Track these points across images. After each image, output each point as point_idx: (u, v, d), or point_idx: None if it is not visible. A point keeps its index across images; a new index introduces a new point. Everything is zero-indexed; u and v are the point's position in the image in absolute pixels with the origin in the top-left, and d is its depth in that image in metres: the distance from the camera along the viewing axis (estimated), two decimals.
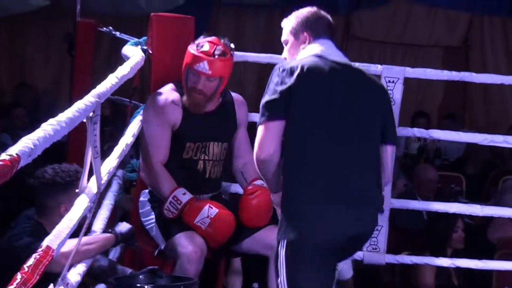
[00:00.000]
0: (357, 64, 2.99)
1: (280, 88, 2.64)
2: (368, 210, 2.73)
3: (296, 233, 2.62)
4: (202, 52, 3.30)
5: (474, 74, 4.05)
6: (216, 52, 3.31)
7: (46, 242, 1.83)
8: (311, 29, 2.86)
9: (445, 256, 4.25)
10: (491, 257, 4.35)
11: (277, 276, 2.67)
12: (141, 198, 3.50)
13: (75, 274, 2.42)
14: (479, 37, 8.79)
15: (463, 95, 8.92)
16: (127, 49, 3.75)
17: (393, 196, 3.94)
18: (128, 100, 3.96)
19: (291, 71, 2.65)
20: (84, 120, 2.13)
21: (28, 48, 8.80)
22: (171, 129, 3.39)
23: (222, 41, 3.37)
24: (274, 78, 2.68)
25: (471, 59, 8.76)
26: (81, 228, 2.33)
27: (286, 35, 2.91)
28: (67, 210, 2.78)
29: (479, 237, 4.86)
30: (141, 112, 3.67)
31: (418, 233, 4.90)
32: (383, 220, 3.83)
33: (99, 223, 3.06)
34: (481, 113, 8.75)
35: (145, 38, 3.84)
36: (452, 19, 8.79)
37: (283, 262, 2.63)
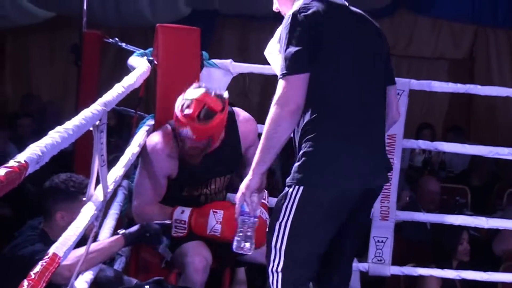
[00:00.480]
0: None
1: (305, 36, 2.51)
2: (383, 162, 2.68)
3: (315, 181, 2.51)
4: (185, 116, 3.10)
5: (479, 86, 4.04)
6: (201, 117, 3.10)
7: (52, 249, 1.84)
8: None
9: (450, 268, 4.25)
10: (496, 269, 4.34)
11: (277, 219, 2.55)
12: None
13: (82, 282, 2.42)
14: (484, 50, 8.81)
15: (468, 108, 8.94)
16: (133, 60, 3.75)
17: (398, 208, 3.94)
18: (133, 111, 3.97)
19: (312, 17, 2.53)
20: (91, 129, 2.14)
21: (34, 59, 8.86)
22: (166, 179, 3.31)
23: (212, 93, 3.15)
24: (296, 25, 2.53)
25: (476, 72, 8.78)
26: (88, 237, 2.34)
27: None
28: (63, 219, 2.81)
29: (485, 250, 4.85)
30: (147, 122, 3.68)
31: (422, 244, 4.89)
32: (388, 232, 3.84)
33: (106, 232, 3.06)
34: (485, 126, 8.75)
35: (151, 49, 3.84)
36: (457, 31, 8.82)
37: (292, 207, 2.51)
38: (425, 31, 8.81)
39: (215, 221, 3.18)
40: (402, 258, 4.36)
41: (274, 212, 2.59)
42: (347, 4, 2.72)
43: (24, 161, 1.50)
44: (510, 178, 6.85)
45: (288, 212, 2.52)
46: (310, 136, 2.52)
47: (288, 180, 2.56)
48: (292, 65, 2.50)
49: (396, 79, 3.81)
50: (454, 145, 4.23)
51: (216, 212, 3.20)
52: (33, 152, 1.57)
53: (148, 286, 2.98)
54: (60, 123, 1.95)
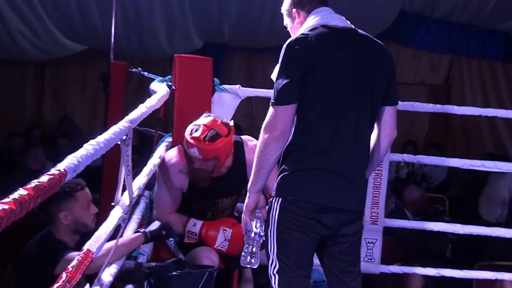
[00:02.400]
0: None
1: (291, 70, 2.43)
2: (360, 188, 2.57)
3: (293, 192, 2.46)
4: (193, 138, 3.12)
5: (455, 107, 4.06)
6: (207, 138, 3.10)
7: (86, 246, 1.86)
8: (300, 6, 2.66)
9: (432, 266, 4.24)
10: (471, 268, 4.33)
11: (268, 227, 2.52)
12: None
13: (107, 275, 2.42)
14: (459, 76, 8.82)
15: (445, 127, 8.93)
16: (154, 85, 3.77)
17: (385, 216, 3.93)
18: (154, 130, 3.98)
19: (301, 46, 2.44)
20: (119, 142, 2.15)
21: (69, 86, 8.90)
22: (180, 191, 3.31)
23: (219, 121, 3.16)
24: (286, 55, 2.46)
25: (452, 96, 8.79)
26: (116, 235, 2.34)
27: (284, 18, 2.75)
28: (67, 218, 2.81)
29: (461, 251, 4.84)
30: (166, 139, 3.69)
31: (408, 244, 4.88)
32: (377, 234, 3.83)
33: (129, 233, 3.06)
34: (461, 142, 8.75)
35: (169, 76, 3.85)
36: (435, 60, 8.84)
37: (275, 215, 2.48)
38: (407, 60, 8.81)
39: (223, 238, 3.17)
40: (390, 257, 4.35)
41: (266, 221, 2.57)
42: (352, 27, 2.60)
43: (64, 169, 1.52)
44: (483, 187, 6.84)
45: (273, 220, 2.49)
46: (291, 154, 2.48)
47: (272, 192, 2.55)
48: (280, 97, 2.43)
49: None
50: (434, 158, 4.24)
51: (225, 230, 3.18)
52: (71, 161, 1.59)
53: (170, 265, 2.98)
54: (86, 141, 1.95)
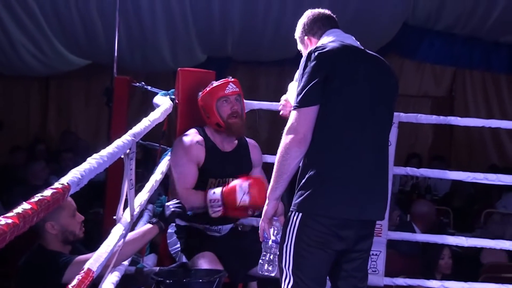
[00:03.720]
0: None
1: (317, 72, 2.42)
2: (382, 198, 2.55)
3: (315, 207, 2.42)
4: (220, 82, 3.37)
5: (459, 118, 4.05)
6: (229, 77, 3.42)
7: (87, 265, 1.85)
8: (312, 33, 2.74)
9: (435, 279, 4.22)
10: (475, 280, 4.31)
11: (284, 241, 2.47)
12: (169, 230, 3.46)
13: (109, 284, 2.41)
14: (462, 89, 8.85)
15: (449, 140, 8.94)
16: (157, 99, 3.77)
17: (389, 228, 3.93)
18: (157, 144, 3.98)
19: (326, 55, 2.45)
20: (122, 156, 2.15)
21: (73, 100, 8.94)
22: (196, 166, 3.35)
23: None
24: (310, 63, 2.45)
25: (455, 108, 8.79)
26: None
27: (298, 44, 2.82)
28: (54, 227, 2.79)
29: (465, 263, 4.82)
30: (169, 153, 3.69)
31: (414, 258, 4.86)
32: (381, 247, 3.82)
33: None
34: (464, 155, 8.74)
35: (173, 90, 3.86)
36: (438, 73, 8.86)
37: (294, 230, 2.44)
38: (410, 73, 8.84)
39: (242, 192, 3.13)
40: (396, 270, 4.34)
41: (282, 236, 2.52)
42: (362, 48, 2.64)
43: (67, 183, 1.52)
44: (487, 200, 6.85)
45: (291, 235, 2.45)
46: (311, 165, 2.44)
47: (291, 206, 2.49)
48: (303, 99, 2.43)
49: None
50: (437, 171, 4.23)
51: (242, 183, 3.15)
52: (74, 175, 1.59)
53: (176, 269, 2.96)
54: (91, 155, 1.96)
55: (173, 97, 3.76)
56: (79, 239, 2.88)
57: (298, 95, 2.45)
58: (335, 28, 2.72)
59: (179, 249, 3.36)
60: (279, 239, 2.58)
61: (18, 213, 1.26)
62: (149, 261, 3.35)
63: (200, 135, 3.42)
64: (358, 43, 2.67)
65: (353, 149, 2.45)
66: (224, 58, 8.23)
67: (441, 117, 3.98)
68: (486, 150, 8.66)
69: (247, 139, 3.56)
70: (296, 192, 2.48)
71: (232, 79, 3.41)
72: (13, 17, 7.39)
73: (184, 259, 3.30)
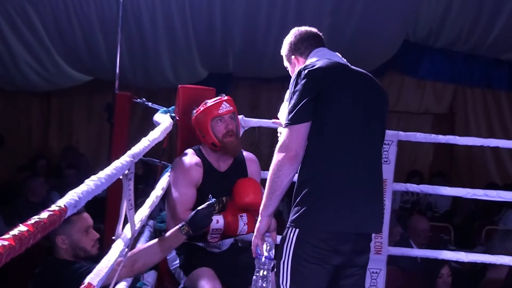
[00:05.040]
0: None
1: (308, 89, 2.44)
2: (378, 211, 2.55)
3: (311, 222, 2.41)
4: (214, 101, 3.36)
5: (457, 137, 4.06)
6: (223, 95, 3.39)
7: (88, 279, 1.85)
8: (299, 53, 2.75)
9: None
10: None
11: (281, 258, 2.46)
12: None
13: None
14: (462, 106, 8.86)
15: (450, 156, 8.93)
16: (157, 117, 3.78)
17: (390, 243, 3.92)
18: (158, 160, 3.98)
19: (316, 73, 2.48)
20: (121, 177, 2.15)
21: (74, 116, 8.96)
22: (194, 188, 3.34)
23: None
24: (301, 80, 2.47)
25: (456, 125, 8.81)
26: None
27: (284, 61, 2.83)
28: (64, 242, 2.80)
29: (465, 280, 4.81)
30: (169, 170, 3.69)
31: (414, 275, 4.86)
32: (381, 264, 3.82)
33: None
34: (465, 171, 8.74)
35: (173, 107, 3.87)
36: (439, 90, 8.87)
37: (291, 246, 2.43)
38: (411, 90, 8.86)
39: (243, 223, 3.18)
40: (396, 286, 4.33)
41: (278, 252, 2.51)
42: (349, 65, 2.66)
43: (64, 205, 1.52)
44: (487, 216, 6.83)
45: (288, 252, 2.44)
46: (307, 181, 2.45)
47: (288, 222, 2.48)
48: (295, 116, 2.43)
49: (386, 131, 3.87)
50: (437, 188, 4.23)
51: (242, 215, 3.19)
52: (72, 197, 1.59)
53: None
54: (94, 172, 1.98)
55: (173, 114, 3.77)
56: (92, 256, 2.87)
57: (289, 112, 2.46)
58: (322, 47, 2.74)
59: (178, 265, 3.36)
60: (272, 255, 2.59)
61: (14, 235, 1.26)
62: (149, 278, 3.34)
63: (197, 156, 3.42)
64: (345, 60, 2.69)
65: (347, 164, 2.46)
66: (226, 75, 8.25)
67: (440, 136, 3.99)
68: (487, 167, 8.66)
69: (244, 153, 3.54)
70: (292, 208, 2.48)
71: (226, 97, 3.40)
72: (15, 32, 7.42)
73: (182, 276, 3.30)
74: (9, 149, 8.48)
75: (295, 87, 2.49)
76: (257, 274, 2.64)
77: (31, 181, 6.07)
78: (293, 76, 2.54)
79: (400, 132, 3.92)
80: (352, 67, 2.65)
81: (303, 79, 2.47)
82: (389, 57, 8.03)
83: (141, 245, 3.05)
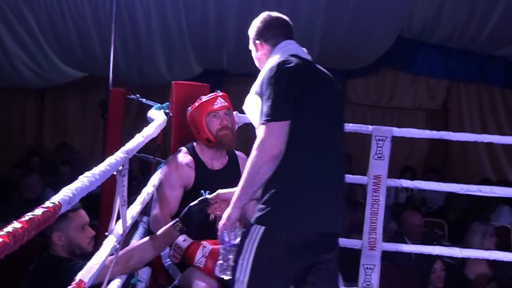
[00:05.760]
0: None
1: (283, 87, 2.42)
2: (341, 212, 2.55)
3: (278, 221, 2.39)
4: (209, 97, 3.36)
5: (451, 133, 4.07)
6: (218, 92, 3.40)
7: (79, 276, 1.86)
8: (264, 39, 2.70)
9: None
10: None
11: (240, 254, 2.43)
12: None
13: None
14: (456, 101, 8.87)
15: (444, 152, 8.95)
16: (151, 113, 3.78)
17: (384, 240, 3.93)
18: (152, 156, 3.99)
19: (290, 71, 2.46)
20: (115, 173, 2.15)
21: (68, 113, 8.94)
22: (182, 189, 3.32)
23: None
24: (273, 78, 2.44)
25: (450, 121, 8.82)
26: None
27: (250, 43, 2.79)
28: (60, 239, 2.80)
29: (458, 275, 4.83)
30: (163, 166, 3.69)
31: (407, 270, 4.87)
32: (376, 260, 3.82)
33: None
34: (460, 167, 8.75)
35: (167, 103, 3.87)
36: (432, 86, 8.88)
37: (254, 243, 2.40)
38: (405, 85, 8.87)
39: (202, 254, 3.08)
40: (391, 283, 4.34)
41: (238, 248, 2.48)
42: (311, 61, 2.66)
43: (58, 202, 1.53)
44: (482, 212, 6.85)
45: (250, 249, 2.41)
46: (275, 180, 2.42)
47: (252, 218, 2.46)
48: (275, 112, 2.39)
49: (380, 127, 3.89)
50: (431, 183, 4.23)
51: (205, 246, 3.09)
52: (66, 194, 1.60)
53: None
54: (88, 168, 1.98)
55: (167, 111, 3.77)
56: (87, 254, 2.87)
57: (269, 107, 2.41)
58: (290, 40, 2.68)
59: (170, 260, 3.35)
60: (236, 242, 2.59)
61: (8, 232, 1.26)
62: (144, 275, 3.34)
63: (190, 155, 3.41)
64: (310, 57, 2.67)
65: (317, 163, 2.46)
66: (220, 71, 8.25)
67: (434, 132, 3.99)
68: (481, 163, 8.68)
69: (236, 152, 3.54)
70: (258, 205, 2.46)
71: (221, 93, 3.40)
72: (9, 29, 7.41)
73: (177, 272, 3.29)
74: (3, 146, 8.48)
75: (273, 83, 2.43)
76: (221, 261, 2.65)
77: (26, 178, 6.06)
78: (269, 69, 2.49)
79: (394, 128, 3.92)
80: (317, 65, 2.64)
81: (283, 75, 2.45)
82: (383, 53, 8.04)
83: (135, 241, 3.05)
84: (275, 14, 2.77)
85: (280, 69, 2.47)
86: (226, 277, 2.67)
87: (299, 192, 2.42)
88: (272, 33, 2.70)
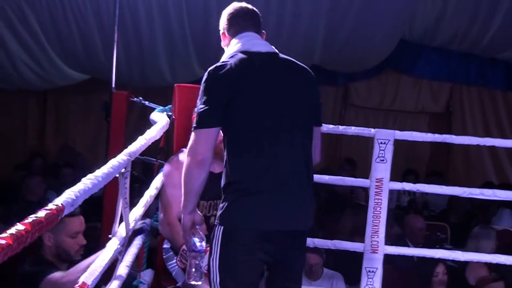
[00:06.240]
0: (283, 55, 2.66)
1: (212, 95, 2.44)
2: (305, 207, 2.54)
3: (234, 220, 2.44)
4: None
5: (453, 136, 4.05)
6: None
7: (82, 278, 1.86)
8: (227, 29, 2.69)
9: None
10: None
11: (210, 255, 2.49)
12: (165, 245, 3.47)
13: None
14: (459, 104, 8.86)
15: (447, 156, 8.94)
16: (154, 115, 3.78)
17: (386, 243, 3.92)
18: (154, 159, 3.99)
19: (222, 74, 2.46)
20: (117, 175, 2.16)
21: (71, 115, 8.95)
22: None
23: None
24: (207, 82, 2.48)
25: (453, 124, 8.82)
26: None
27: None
28: (50, 240, 2.81)
29: (460, 278, 4.83)
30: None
31: (409, 274, 4.87)
32: (378, 263, 3.82)
33: (129, 257, 3.03)
34: (462, 170, 8.75)
35: (170, 106, 3.87)
36: (435, 89, 8.88)
37: (218, 244, 2.45)
38: (407, 89, 8.86)
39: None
40: (393, 286, 4.33)
41: (210, 250, 2.53)
42: (276, 52, 2.61)
43: (61, 204, 1.53)
44: (484, 216, 6.85)
45: (215, 249, 2.46)
46: (231, 179, 2.47)
47: (215, 219, 2.53)
48: (201, 120, 2.44)
49: (382, 130, 3.88)
50: (433, 186, 4.23)
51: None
52: (69, 196, 1.60)
53: None
54: (91, 171, 1.98)
55: (170, 113, 3.77)
56: (74, 261, 2.88)
57: (197, 115, 2.46)
58: (250, 32, 2.65)
59: (176, 264, 3.36)
60: (203, 246, 2.63)
61: (12, 234, 1.27)
62: (146, 277, 3.35)
63: None
64: (273, 47, 2.62)
65: (271, 161, 2.46)
66: None
67: (436, 135, 3.98)
68: (484, 167, 8.67)
69: None
70: (219, 204, 2.52)
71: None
72: (12, 31, 7.42)
73: (181, 275, 3.30)
74: (5, 148, 8.48)
75: (204, 90, 2.47)
76: (190, 268, 2.67)
77: (28, 180, 6.06)
78: (205, 73, 2.51)
79: (396, 131, 3.92)
80: (280, 56, 2.60)
81: (212, 83, 2.47)
82: (385, 56, 8.04)
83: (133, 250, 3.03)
84: (241, 4, 2.74)
85: (210, 76, 2.49)
86: (197, 282, 2.69)
87: (252, 192, 2.44)
88: (234, 24, 2.68)
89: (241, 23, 2.66)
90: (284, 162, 2.48)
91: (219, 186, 3.25)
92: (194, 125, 2.47)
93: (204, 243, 2.64)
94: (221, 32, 2.75)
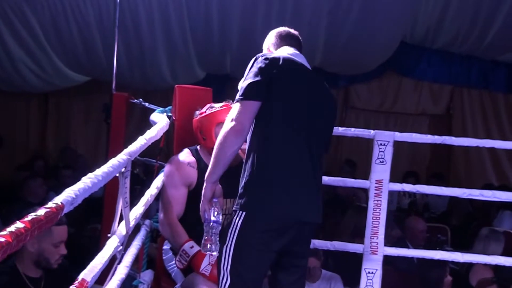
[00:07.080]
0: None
1: (262, 73, 2.56)
2: (318, 202, 2.65)
3: (257, 208, 2.50)
4: (221, 106, 3.36)
5: (453, 138, 4.05)
6: (229, 102, 3.36)
7: (81, 275, 1.87)
8: (275, 44, 2.89)
9: None
10: None
11: (224, 242, 2.53)
12: (165, 247, 3.47)
13: None
14: (460, 107, 8.87)
15: (447, 158, 8.95)
16: (154, 116, 3.79)
17: (386, 244, 3.93)
18: (154, 160, 4.00)
19: (272, 61, 2.60)
20: (117, 175, 2.17)
21: (72, 117, 8.97)
22: (187, 188, 3.32)
23: None
24: (256, 64, 2.61)
25: (453, 126, 8.82)
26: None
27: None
28: (33, 246, 2.81)
29: (462, 280, 4.84)
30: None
31: (410, 275, 4.87)
32: (377, 265, 3.82)
33: (128, 258, 3.04)
34: (463, 172, 8.75)
35: (170, 107, 3.88)
36: (436, 91, 8.89)
37: (235, 231, 2.50)
38: (408, 91, 8.87)
39: (208, 262, 3.10)
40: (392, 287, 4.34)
41: (222, 236, 2.59)
42: (309, 68, 2.78)
43: (61, 202, 1.54)
44: (484, 217, 6.85)
45: (232, 236, 2.51)
46: (254, 165, 2.53)
47: (234, 205, 2.57)
48: (245, 93, 2.54)
49: (382, 131, 3.89)
50: (433, 188, 4.22)
51: (212, 254, 3.08)
52: (68, 195, 1.61)
53: None
54: (91, 171, 1.99)
55: (170, 114, 3.78)
56: (50, 270, 2.89)
57: (241, 89, 2.57)
58: (290, 47, 2.84)
59: (175, 265, 3.36)
60: (220, 219, 2.70)
61: (11, 232, 1.28)
62: (146, 277, 3.35)
63: (193, 156, 3.40)
64: (308, 65, 2.80)
65: (293, 155, 2.57)
66: (223, 75, 8.26)
67: (436, 137, 3.98)
68: (484, 169, 8.67)
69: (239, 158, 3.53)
70: (240, 191, 2.57)
71: (232, 104, 3.39)
72: (13, 33, 7.44)
73: (180, 276, 3.30)
74: (7, 150, 8.49)
75: (249, 70, 2.61)
76: (205, 237, 2.72)
77: (29, 181, 6.07)
78: (254, 57, 2.65)
79: (396, 133, 3.92)
80: (311, 71, 2.78)
81: (259, 63, 2.59)
82: (386, 58, 8.05)
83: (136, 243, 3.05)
84: (288, 29, 2.95)
85: (257, 59, 2.63)
86: (211, 253, 2.77)
87: (276, 182, 2.52)
88: (283, 40, 2.89)
89: (288, 41, 2.88)
90: (306, 159, 2.59)
91: (222, 185, 3.27)
92: (238, 97, 2.56)
93: (220, 216, 2.70)
94: (265, 49, 2.94)
